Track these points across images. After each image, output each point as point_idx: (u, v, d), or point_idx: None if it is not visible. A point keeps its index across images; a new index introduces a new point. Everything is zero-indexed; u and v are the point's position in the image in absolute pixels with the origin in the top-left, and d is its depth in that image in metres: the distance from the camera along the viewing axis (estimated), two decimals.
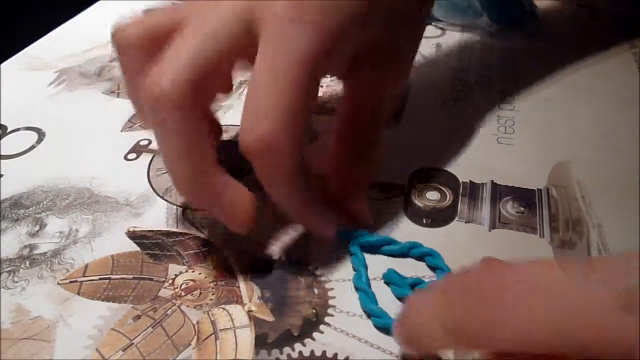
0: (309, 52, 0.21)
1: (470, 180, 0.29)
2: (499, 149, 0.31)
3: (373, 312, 0.22)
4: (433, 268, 0.24)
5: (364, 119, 0.26)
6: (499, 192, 0.28)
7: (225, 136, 0.32)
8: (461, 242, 0.25)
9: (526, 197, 0.27)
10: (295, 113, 0.21)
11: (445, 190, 0.28)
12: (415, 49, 0.28)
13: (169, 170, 0.23)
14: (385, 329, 0.21)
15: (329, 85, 0.37)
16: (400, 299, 0.23)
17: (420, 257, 0.24)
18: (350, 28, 0.22)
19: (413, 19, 0.27)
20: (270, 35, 0.21)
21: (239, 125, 0.33)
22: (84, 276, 0.24)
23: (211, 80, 0.22)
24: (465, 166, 0.30)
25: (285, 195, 0.23)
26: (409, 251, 0.24)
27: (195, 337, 0.22)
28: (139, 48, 0.23)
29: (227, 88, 0.26)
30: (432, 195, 0.28)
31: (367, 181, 0.27)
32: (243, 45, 0.22)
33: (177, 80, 0.21)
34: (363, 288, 0.23)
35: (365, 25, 0.23)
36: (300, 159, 0.22)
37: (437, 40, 0.42)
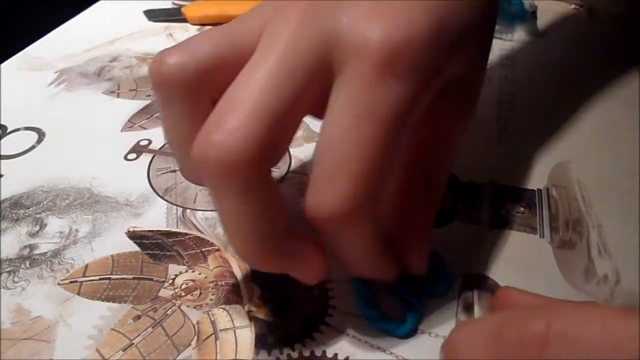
0: (401, 110, 0.17)
1: (470, 180, 0.29)
2: (499, 149, 0.31)
3: (370, 315, 0.22)
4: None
5: (434, 159, 0.22)
6: (499, 192, 0.28)
7: None
8: (461, 242, 0.25)
9: (526, 197, 0.27)
10: (379, 179, 0.18)
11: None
12: (484, 74, 0.23)
13: (231, 238, 0.19)
14: (385, 332, 0.21)
15: None
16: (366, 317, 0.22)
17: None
18: (449, 63, 0.19)
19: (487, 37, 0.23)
20: (355, 84, 0.17)
21: None
22: (84, 276, 0.24)
23: (283, 133, 0.18)
24: (465, 166, 0.30)
25: (361, 260, 0.20)
26: None
27: (195, 337, 0.22)
28: (185, 89, 0.19)
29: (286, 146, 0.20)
30: None
31: (430, 233, 0.23)
32: (315, 89, 0.18)
33: (250, 137, 0.17)
34: (360, 290, 0.22)
35: (458, 55, 0.19)
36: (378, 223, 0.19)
37: None
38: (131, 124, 0.34)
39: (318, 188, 0.18)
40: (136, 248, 0.25)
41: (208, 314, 0.22)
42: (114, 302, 0.23)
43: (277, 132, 0.17)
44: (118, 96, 0.37)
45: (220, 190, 0.18)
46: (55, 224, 0.27)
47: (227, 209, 0.18)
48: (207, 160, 0.17)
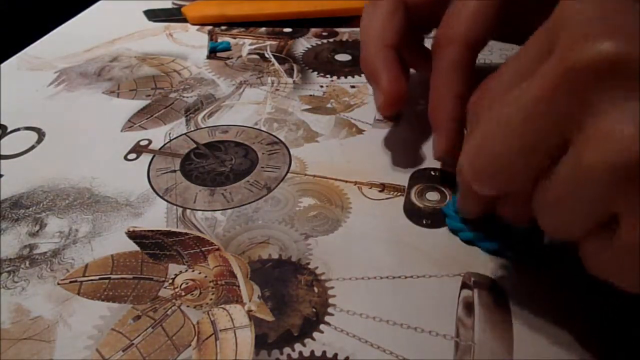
0: None
1: None
2: None
3: (458, 228, 0.25)
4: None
5: None
6: None
7: (226, 136, 0.32)
8: (461, 243, 0.25)
9: None
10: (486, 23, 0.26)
11: (445, 191, 0.28)
12: None
13: None
14: (470, 242, 0.25)
15: (329, 85, 0.37)
16: (453, 230, 0.25)
17: None
18: None
19: None
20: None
21: (239, 126, 0.33)
22: (84, 276, 0.24)
23: None
24: None
25: (434, 85, 0.27)
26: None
27: (196, 337, 0.22)
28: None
29: None
30: (432, 196, 0.28)
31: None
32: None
33: None
34: (449, 213, 0.26)
35: None
36: (466, 62, 0.26)
37: None
38: (131, 124, 0.34)
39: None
40: (136, 248, 0.25)
41: (208, 314, 0.22)
42: (114, 302, 0.23)
43: None
44: (118, 96, 0.37)
45: None
46: (55, 224, 0.27)
47: None
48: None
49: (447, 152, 0.26)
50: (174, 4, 0.49)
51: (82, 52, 0.42)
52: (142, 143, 0.32)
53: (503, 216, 0.22)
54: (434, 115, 0.27)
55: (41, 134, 0.33)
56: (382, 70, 0.27)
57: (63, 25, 0.46)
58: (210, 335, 0.22)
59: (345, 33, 0.44)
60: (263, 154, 0.31)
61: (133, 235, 0.26)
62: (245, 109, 0.35)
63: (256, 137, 0.32)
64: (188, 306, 0.23)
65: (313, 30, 0.45)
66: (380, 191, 0.28)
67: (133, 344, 0.21)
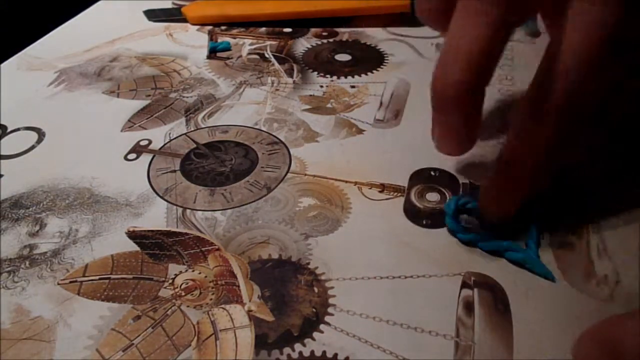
0: None
1: (470, 182, 0.29)
2: (499, 149, 0.31)
3: (456, 229, 0.25)
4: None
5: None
6: None
7: (226, 136, 0.33)
8: (461, 243, 0.25)
9: None
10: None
11: (445, 192, 0.28)
12: None
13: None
14: (468, 242, 0.25)
15: (329, 85, 0.37)
16: (451, 231, 0.25)
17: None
18: None
19: None
20: None
21: (239, 126, 0.33)
22: (84, 276, 0.24)
23: None
24: (465, 167, 0.30)
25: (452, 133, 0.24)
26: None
27: (196, 337, 0.22)
28: None
29: None
30: (432, 197, 0.28)
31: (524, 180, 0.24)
32: None
33: None
34: (450, 213, 0.25)
35: None
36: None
37: (437, 40, 0.42)
38: (131, 124, 0.34)
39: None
40: (136, 248, 0.25)
41: (208, 314, 0.22)
42: (114, 302, 0.23)
43: None
44: (118, 96, 0.37)
45: None
46: (55, 224, 0.27)
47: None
48: None
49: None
50: (174, 4, 0.49)
51: (82, 52, 0.42)
52: (142, 143, 0.32)
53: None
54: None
55: (41, 134, 0.33)
56: (469, 117, 0.24)
57: (63, 25, 0.46)
58: (210, 335, 0.22)
59: (345, 33, 0.44)
60: (263, 154, 0.31)
61: (133, 235, 0.26)
62: (245, 109, 0.35)
63: (256, 137, 0.32)
64: (188, 306, 0.23)
65: (313, 30, 0.45)
66: (380, 191, 0.28)
67: (133, 344, 0.21)
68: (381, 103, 0.35)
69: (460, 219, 0.26)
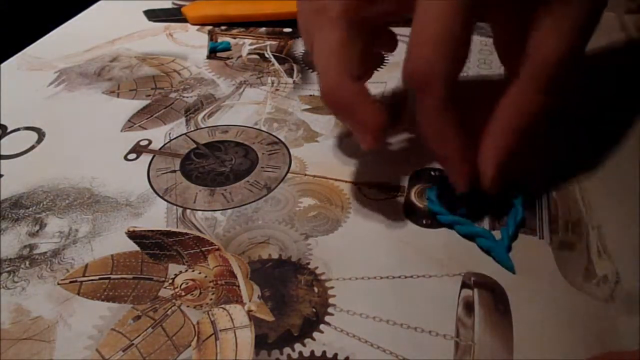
0: None
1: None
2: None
3: (440, 212, 0.26)
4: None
5: (539, 83, 0.24)
6: (499, 193, 0.28)
7: (226, 136, 0.33)
8: (461, 243, 0.25)
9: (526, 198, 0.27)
10: (457, 45, 0.22)
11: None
12: None
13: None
14: (449, 225, 0.26)
15: None
16: (432, 213, 0.26)
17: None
18: None
19: None
20: None
21: (239, 126, 0.33)
22: (84, 276, 0.24)
23: None
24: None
25: (432, 125, 0.23)
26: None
27: (196, 337, 0.22)
28: None
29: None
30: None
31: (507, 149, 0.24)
32: None
33: None
34: (431, 198, 0.27)
35: None
36: (454, 92, 0.22)
37: None
38: (131, 124, 0.34)
39: (409, 51, 0.22)
40: (136, 248, 0.25)
41: (208, 314, 0.22)
42: (114, 302, 0.23)
43: None
44: (118, 96, 0.37)
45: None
46: (55, 224, 0.27)
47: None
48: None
49: (470, 178, 0.25)
50: (174, 4, 0.49)
51: (82, 52, 0.42)
52: (142, 143, 0.32)
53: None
54: (442, 154, 0.25)
55: (41, 134, 0.33)
56: (358, 105, 0.24)
57: (63, 25, 0.46)
58: (210, 336, 0.22)
59: None
60: (263, 154, 0.31)
61: (133, 235, 0.26)
62: (245, 109, 0.35)
63: (256, 137, 0.32)
64: (188, 306, 0.23)
65: None
66: (380, 191, 0.28)
67: (133, 344, 0.21)
68: (381, 103, 0.35)
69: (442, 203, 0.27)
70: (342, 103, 0.24)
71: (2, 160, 0.31)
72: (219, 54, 0.42)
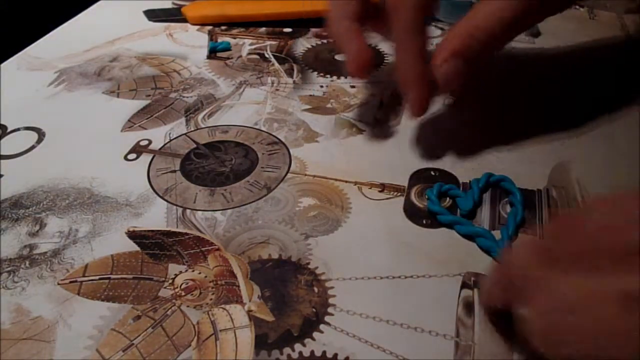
0: None
1: (470, 181, 0.29)
2: (499, 149, 0.31)
3: (440, 212, 0.26)
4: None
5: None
6: (499, 192, 0.28)
7: (226, 136, 0.32)
8: (461, 243, 0.25)
9: (526, 198, 0.27)
10: None
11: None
12: None
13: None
14: (449, 225, 0.26)
15: (329, 85, 0.37)
16: (432, 213, 0.27)
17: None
18: None
19: None
20: None
21: (239, 126, 0.33)
22: (84, 276, 0.24)
23: None
24: (465, 166, 0.30)
25: (398, 49, 0.29)
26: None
27: (196, 337, 0.22)
28: None
29: None
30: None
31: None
32: None
33: None
34: (432, 198, 0.27)
35: None
36: (420, 21, 0.28)
37: (437, 40, 0.42)
38: (131, 124, 0.34)
39: None
40: (136, 248, 0.25)
41: (208, 314, 0.22)
42: (114, 302, 0.23)
43: None
44: (118, 96, 0.37)
45: None
46: (55, 224, 0.27)
47: None
48: None
49: (423, 107, 0.29)
50: (174, 4, 0.49)
51: (82, 52, 0.42)
52: (142, 143, 0.32)
53: None
54: (404, 75, 0.29)
55: (41, 134, 0.33)
56: (349, 37, 0.30)
57: (63, 25, 0.46)
58: (210, 336, 0.22)
59: None
60: (263, 154, 0.31)
61: (133, 235, 0.26)
62: (245, 109, 0.35)
63: (256, 137, 0.32)
64: (188, 306, 0.23)
65: (313, 30, 0.45)
66: (380, 191, 0.28)
67: (133, 344, 0.21)
68: (381, 103, 0.35)
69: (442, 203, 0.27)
70: (338, 34, 0.31)
71: (2, 160, 0.31)
72: (219, 54, 0.42)
